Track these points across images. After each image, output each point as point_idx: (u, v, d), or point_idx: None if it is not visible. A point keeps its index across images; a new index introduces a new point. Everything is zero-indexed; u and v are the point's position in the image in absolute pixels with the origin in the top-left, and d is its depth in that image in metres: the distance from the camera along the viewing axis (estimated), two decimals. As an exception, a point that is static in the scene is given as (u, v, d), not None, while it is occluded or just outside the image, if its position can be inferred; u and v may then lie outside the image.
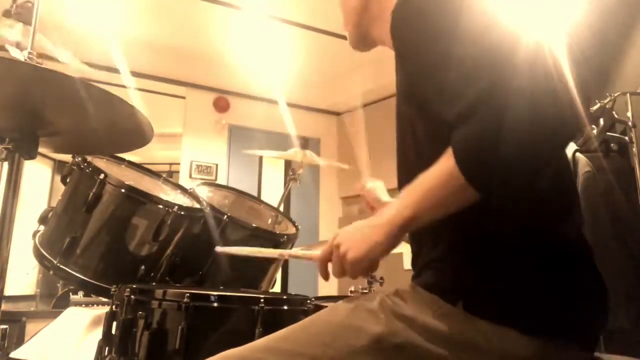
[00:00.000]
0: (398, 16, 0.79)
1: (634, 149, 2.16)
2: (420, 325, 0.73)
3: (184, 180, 4.53)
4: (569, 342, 0.73)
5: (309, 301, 1.26)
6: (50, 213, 1.50)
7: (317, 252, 0.85)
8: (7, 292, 1.16)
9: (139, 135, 1.25)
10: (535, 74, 0.64)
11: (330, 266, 0.83)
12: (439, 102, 0.71)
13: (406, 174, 0.86)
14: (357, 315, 0.77)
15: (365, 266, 0.77)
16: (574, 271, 0.75)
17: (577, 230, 0.80)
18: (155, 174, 1.74)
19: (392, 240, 0.74)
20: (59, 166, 5.51)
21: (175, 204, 1.45)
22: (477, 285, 0.74)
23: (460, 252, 0.77)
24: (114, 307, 1.17)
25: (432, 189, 0.69)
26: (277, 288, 1.94)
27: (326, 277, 0.85)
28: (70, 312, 1.84)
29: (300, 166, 2.20)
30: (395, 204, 0.74)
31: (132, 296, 1.12)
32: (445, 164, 0.66)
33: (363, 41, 1.04)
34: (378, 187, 1.10)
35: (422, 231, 0.82)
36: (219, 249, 1.26)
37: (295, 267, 4.74)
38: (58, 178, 2.87)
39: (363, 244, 0.76)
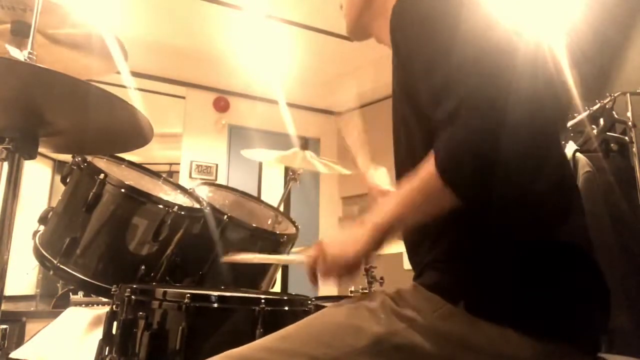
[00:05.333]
0: (398, 13, 0.79)
1: (634, 149, 2.16)
2: (422, 326, 0.73)
3: (184, 180, 4.53)
4: (571, 344, 0.72)
5: (309, 301, 1.26)
6: (50, 213, 1.50)
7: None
8: (7, 292, 1.15)
9: (139, 135, 1.25)
10: (521, 82, 0.64)
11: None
12: (428, 102, 0.72)
13: (400, 173, 0.88)
14: (358, 315, 0.77)
15: (348, 266, 0.79)
16: (577, 273, 0.74)
17: (580, 230, 0.79)
18: (155, 174, 1.74)
19: (375, 243, 0.75)
20: (59, 166, 5.51)
21: (175, 204, 1.45)
22: (479, 286, 0.73)
23: (462, 252, 0.77)
24: (114, 307, 1.17)
25: (413, 194, 0.70)
26: (277, 288, 1.94)
27: (313, 281, 0.86)
28: (70, 312, 1.83)
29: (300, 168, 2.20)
30: (379, 208, 0.75)
31: (133, 296, 1.12)
32: (426, 168, 0.67)
33: (360, 32, 1.05)
34: (380, 174, 1.11)
35: (422, 231, 0.82)
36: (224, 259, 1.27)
37: (295, 267, 4.73)
38: (58, 178, 2.87)
39: (345, 245, 0.78)
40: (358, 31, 1.05)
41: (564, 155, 0.88)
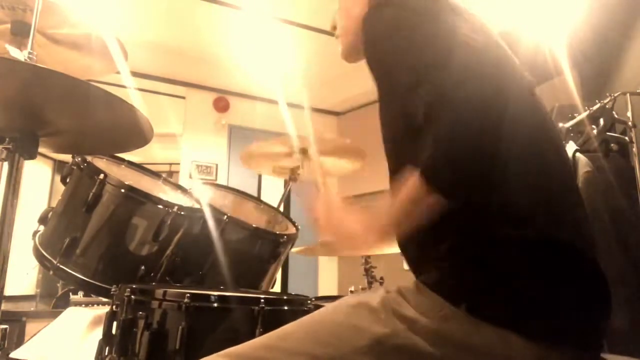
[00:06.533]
0: (367, 26, 0.86)
1: (634, 149, 2.16)
2: (422, 327, 0.73)
3: (184, 180, 4.53)
4: (573, 347, 0.72)
5: (309, 301, 1.26)
6: (50, 213, 1.50)
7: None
8: (7, 292, 1.15)
9: (139, 135, 1.25)
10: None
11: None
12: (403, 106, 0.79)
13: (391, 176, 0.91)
14: (358, 315, 0.77)
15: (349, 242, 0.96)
16: (578, 274, 0.74)
17: (583, 232, 0.80)
18: (155, 174, 1.74)
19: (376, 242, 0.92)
20: (59, 166, 5.52)
21: (175, 204, 1.45)
22: (481, 287, 0.73)
23: (464, 253, 0.76)
24: (114, 307, 1.17)
25: (404, 202, 0.76)
26: (277, 288, 1.94)
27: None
28: (70, 312, 1.83)
29: (300, 167, 2.20)
30: (380, 212, 0.83)
31: (132, 296, 1.12)
32: (412, 179, 0.73)
33: (356, 54, 1.07)
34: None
35: (424, 230, 0.83)
36: None
37: (295, 267, 4.74)
38: (58, 178, 2.87)
39: (351, 235, 0.89)
40: (354, 54, 1.07)
41: (565, 156, 0.88)
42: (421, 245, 0.85)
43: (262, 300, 1.09)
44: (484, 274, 0.74)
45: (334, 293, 4.80)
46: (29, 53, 1.26)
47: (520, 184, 0.76)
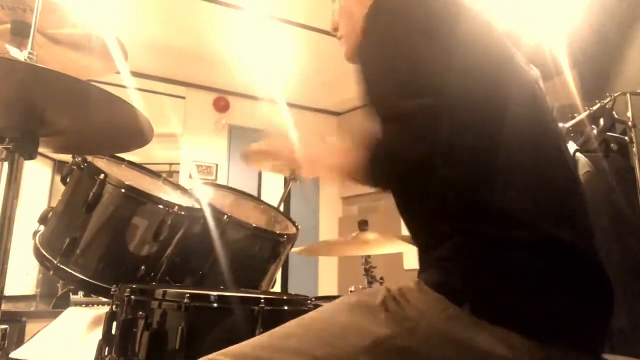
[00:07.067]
0: (375, 5, 0.87)
1: (634, 149, 2.16)
2: (425, 328, 0.72)
3: (184, 180, 4.53)
4: (575, 348, 0.72)
5: (309, 301, 1.26)
6: (50, 213, 1.50)
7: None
8: (7, 292, 1.15)
9: (139, 135, 1.25)
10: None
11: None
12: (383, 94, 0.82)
13: None
14: (359, 314, 0.77)
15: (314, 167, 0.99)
16: (581, 274, 0.74)
17: (585, 232, 0.80)
18: (155, 174, 1.74)
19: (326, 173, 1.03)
20: (59, 166, 5.51)
21: (175, 204, 1.45)
22: (485, 288, 0.73)
23: (467, 253, 0.76)
24: (114, 307, 1.17)
25: (350, 166, 0.87)
26: (277, 288, 1.94)
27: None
28: (70, 312, 1.84)
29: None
30: (333, 157, 0.93)
31: (132, 296, 1.12)
32: (364, 157, 0.81)
33: None
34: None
35: (427, 228, 0.83)
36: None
37: (296, 267, 4.74)
38: (58, 178, 2.87)
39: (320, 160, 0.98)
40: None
41: (566, 163, 0.87)
42: (424, 245, 0.86)
43: (262, 300, 1.09)
44: (487, 274, 0.73)
45: (334, 293, 4.80)
46: (29, 53, 1.25)
47: (522, 187, 0.77)
